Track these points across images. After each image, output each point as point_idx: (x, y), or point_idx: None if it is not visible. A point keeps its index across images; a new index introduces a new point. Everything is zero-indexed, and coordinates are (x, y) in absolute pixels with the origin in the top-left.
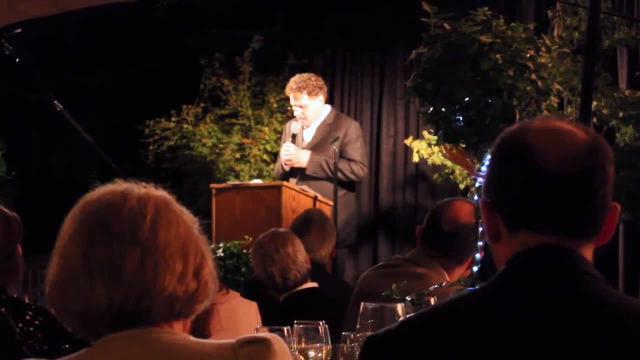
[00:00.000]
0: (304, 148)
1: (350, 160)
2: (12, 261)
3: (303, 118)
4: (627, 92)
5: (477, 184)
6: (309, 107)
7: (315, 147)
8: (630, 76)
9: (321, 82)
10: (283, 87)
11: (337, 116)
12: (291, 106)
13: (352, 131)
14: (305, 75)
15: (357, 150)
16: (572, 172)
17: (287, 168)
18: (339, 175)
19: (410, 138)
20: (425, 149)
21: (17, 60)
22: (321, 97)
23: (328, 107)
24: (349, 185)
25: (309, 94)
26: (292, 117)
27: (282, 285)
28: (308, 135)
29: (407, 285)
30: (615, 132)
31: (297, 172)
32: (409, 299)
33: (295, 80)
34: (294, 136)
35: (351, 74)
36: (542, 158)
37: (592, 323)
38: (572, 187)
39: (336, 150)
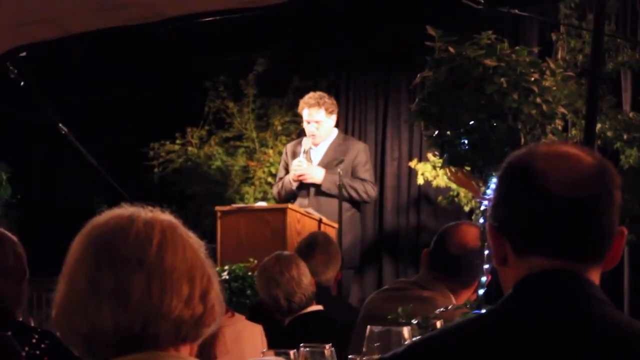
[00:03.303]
0: None
1: (362, 180)
2: (22, 286)
3: (315, 135)
4: (631, 115)
5: (482, 207)
6: (324, 124)
7: (326, 166)
8: (635, 98)
9: (335, 102)
10: (287, 109)
11: (345, 138)
12: (300, 124)
13: (363, 153)
14: (321, 93)
15: (368, 171)
16: (579, 196)
17: (295, 185)
18: (353, 193)
19: (415, 160)
20: (429, 171)
21: (22, 83)
22: (334, 117)
23: (335, 129)
24: (355, 206)
25: (326, 110)
26: (294, 139)
27: (287, 308)
28: (317, 155)
29: (413, 309)
30: (619, 154)
31: (301, 193)
32: (415, 322)
33: (312, 96)
34: (305, 152)
35: (355, 96)
36: (549, 183)
37: (600, 347)
38: (579, 212)
39: (341, 172)
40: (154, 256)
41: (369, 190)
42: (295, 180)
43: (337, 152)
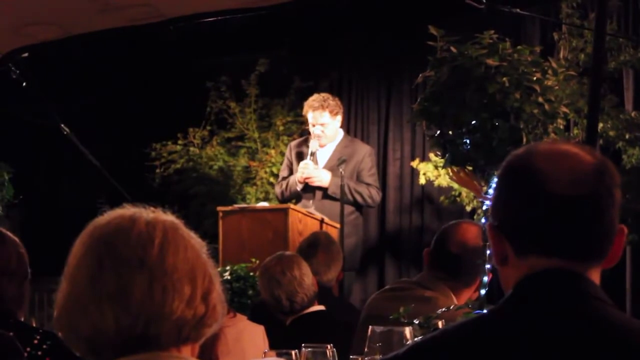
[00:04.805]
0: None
1: (368, 185)
2: (24, 287)
3: (322, 137)
4: (633, 114)
5: (484, 207)
6: (329, 126)
7: (331, 168)
8: (637, 98)
9: (339, 103)
10: (289, 109)
11: (352, 140)
12: (302, 124)
13: (369, 157)
14: (325, 95)
15: (373, 176)
16: (579, 195)
17: (300, 187)
18: (357, 197)
19: (417, 160)
20: (431, 171)
21: (24, 84)
22: (339, 118)
23: (341, 131)
24: (358, 210)
25: (331, 112)
26: (296, 139)
27: (289, 309)
28: (323, 157)
29: (415, 309)
30: (621, 153)
31: (306, 195)
32: (416, 322)
33: (315, 99)
34: (312, 154)
35: (357, 96)
36: (549, 182)
37: (600, 347)
38: (579, 211)
39: (342, 172)
40: (155, 257)
41: (374, 195)
42: (301, 182)
43: (343, 154)
